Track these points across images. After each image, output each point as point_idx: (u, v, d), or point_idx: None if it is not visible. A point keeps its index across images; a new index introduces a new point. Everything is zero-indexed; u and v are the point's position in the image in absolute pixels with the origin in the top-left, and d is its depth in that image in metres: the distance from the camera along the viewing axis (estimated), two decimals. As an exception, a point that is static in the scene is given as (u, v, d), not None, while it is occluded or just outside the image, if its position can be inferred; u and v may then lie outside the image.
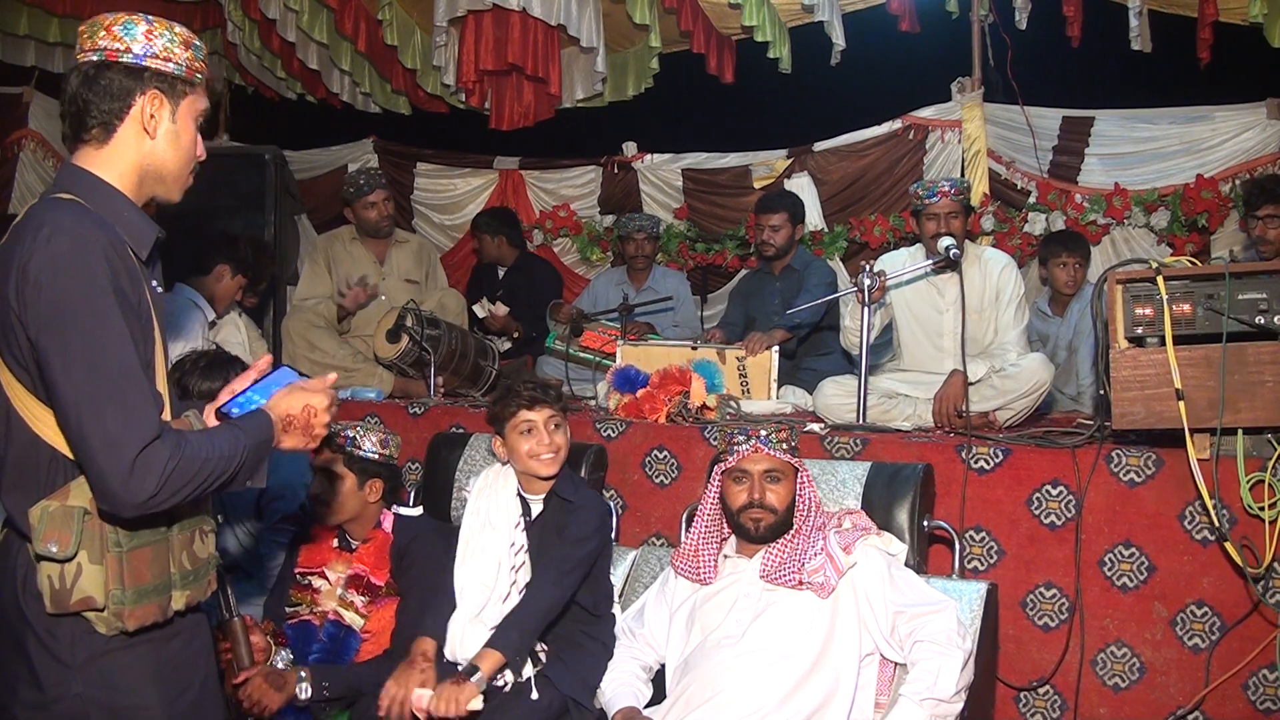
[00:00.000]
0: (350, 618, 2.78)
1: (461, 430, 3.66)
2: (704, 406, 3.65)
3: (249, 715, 2.58)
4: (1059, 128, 5.16)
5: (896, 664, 2.47)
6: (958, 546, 2.87)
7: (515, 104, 5.88)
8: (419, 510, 2.97)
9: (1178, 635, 2.81)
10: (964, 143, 5.15)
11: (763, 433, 2.56)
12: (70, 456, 1.57)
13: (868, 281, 3.55)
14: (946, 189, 3.71)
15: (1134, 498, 2.87)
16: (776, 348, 4.06)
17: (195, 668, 1.74)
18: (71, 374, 1.49)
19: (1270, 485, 2.63)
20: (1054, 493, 2.96)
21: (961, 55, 5.15)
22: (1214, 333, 2.70)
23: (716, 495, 2.64)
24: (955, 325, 3.66)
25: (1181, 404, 2.67)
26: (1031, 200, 5.11)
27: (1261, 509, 2.64)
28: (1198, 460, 2.68)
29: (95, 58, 1.65)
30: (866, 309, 3.56)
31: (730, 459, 2.58)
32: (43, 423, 1.58)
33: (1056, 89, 5.27)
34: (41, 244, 1.52)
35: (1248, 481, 2.65)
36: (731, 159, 5.93)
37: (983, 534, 3.04)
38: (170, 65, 1.67)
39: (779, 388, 4.05)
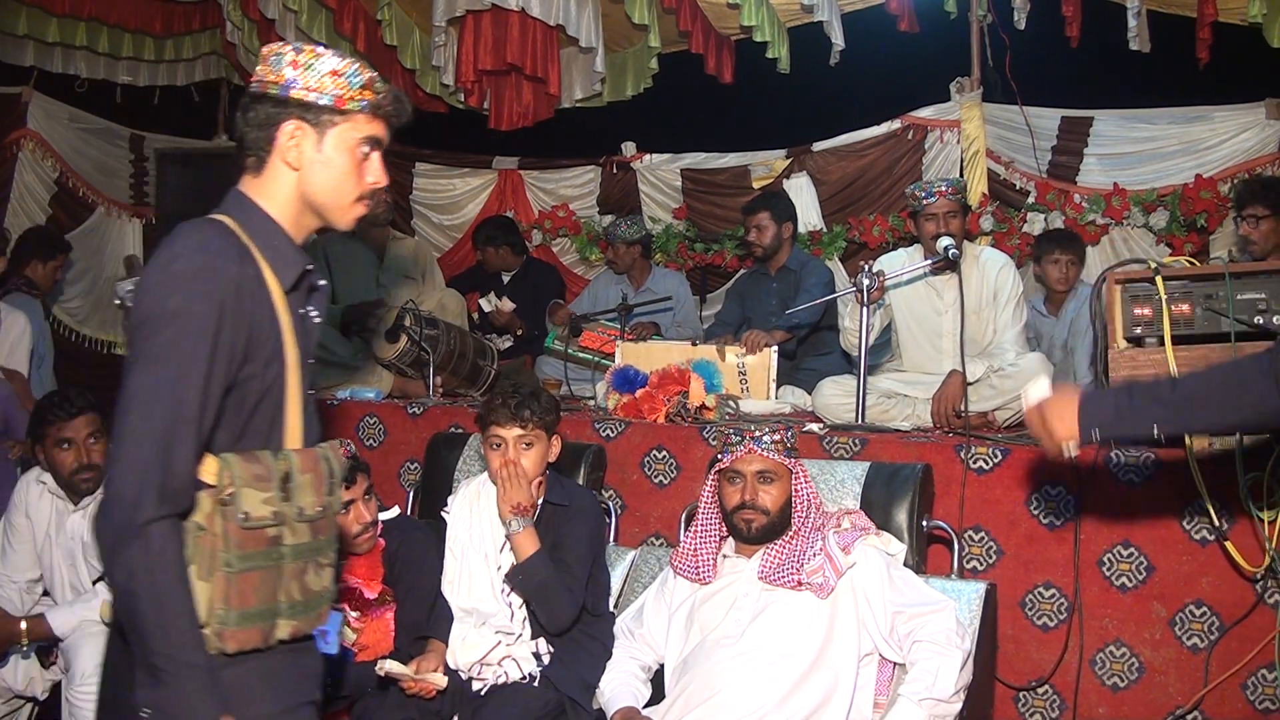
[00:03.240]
0: (342, 632, 2.71)
1: (460, 430, 3.66)
2: (703, 406, 3.65)
3: None
4: (1058, 128, 5.16)
5: (895, 664, 2.47)
6: (957, 546, 2.87)
7: (514, 104, 5.88)
8: (395, 510, 2.90)
9: (1177, 635, 2.81)
10: (963, 143, 5.15)
11: (757, 433, 2.56)
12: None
13: (866, 282, 3.55)
14: (945, 189, 3.71)
15: (1133, 498, 2.87)
16: (775, 348, 4.06)
17: (300, 691, 1.70)
18: (132, 395, 1.50)
19: (1269, 485, 2.63)
20: (1053, 493, 2.96)
21: (960, 55, 5.15)
22: (1212, 333, 2.70)
23: (713, 495, 2.65)
24: (954, 326, 3.66)
25: (1180, 404, 2.67)
26: (1030, 200, 5.11)
27: (1261, 509, 2.64)
28: (1197, 460, 2.68)
29: (253, 88, 1.69)
30: (865, 309, 3.56)
31: (725, 459, 2.58)
32: None
33: (1055, 89, 5.27)
34: (162, 263, 1.55)
35: (1247, 481, 2.65)
36: (730, 159, 5.93)
37: (982, 534, 3.04)
38: (314, 95, 1.66)
39: (778, 388, 4.05)
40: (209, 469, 1.55)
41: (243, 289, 1.56)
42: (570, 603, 2.62)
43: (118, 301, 1.34)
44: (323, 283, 1.78)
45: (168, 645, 1.48)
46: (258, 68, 1.70)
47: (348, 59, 1.70)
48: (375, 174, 1.74)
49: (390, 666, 2.53)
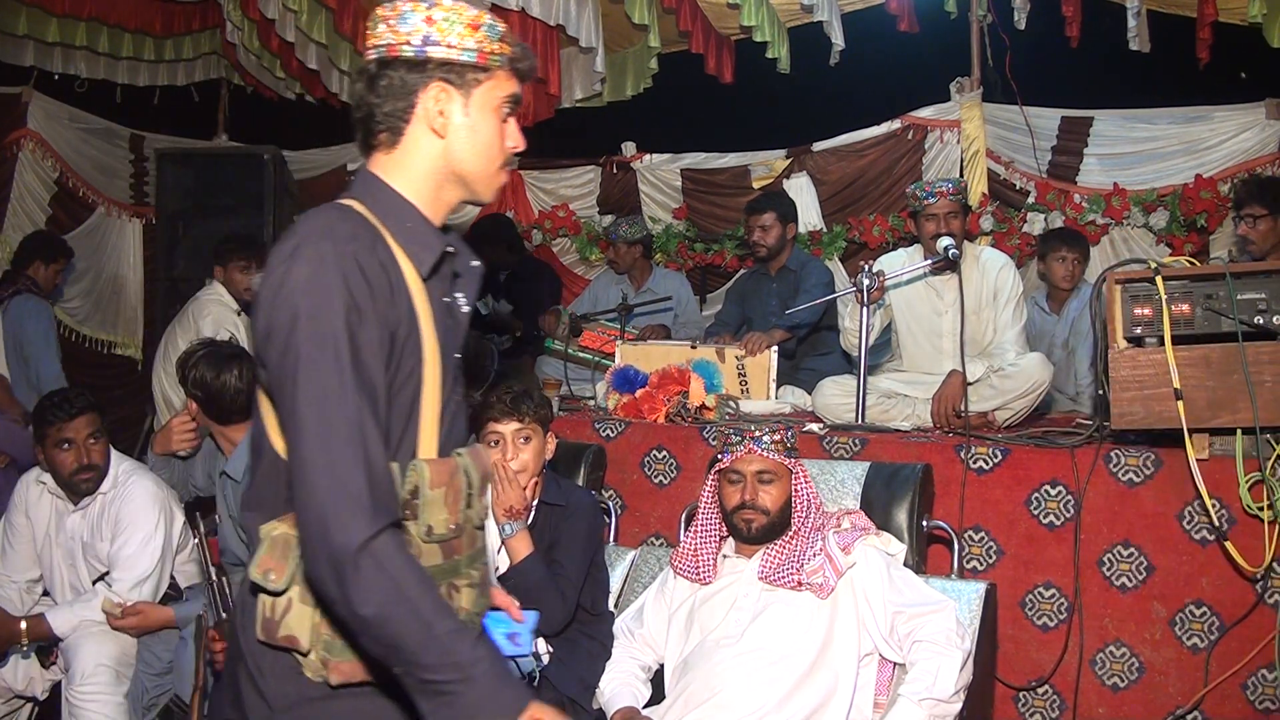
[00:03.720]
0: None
1: (460, 430, 3.65)
2: (703, 406, 3.65)
3: None
4: (1058, 128, 5.15)
5: (896, 664, 2.47)
6: (957, 546, 2.87)
7: (514, 104, 5.88)
8: None
9: (1177, 635, 2.81)
10: (963, 143, 5.15)
11: (757, 434, 2.56)
12: None
13: (866, 282, 3.55)
14: (945, 189, 3.71)
15: (1133, 498, 2.87)
16: (775, 348, 4.06)
17: None
18: (297, 417, 1.34)
19: (1269, 485, 2.63)
20: (1053, 493, 2.96)
21: (960, 55, 5.15)
22: (1212, 333, 2.70)
23: (713, 495, 2.65)
24: (954, 326, 3.66)
25: (1180, 404, 2.67)
26: (1030, 200, 5.11)
27: (1260, 509, 2.64)
28: (1196, 460, 2.68)
29: (375, 55, 1.48)
30: (865, 309, 3.56)
31: (725, 459, 2.58)
32: (280, 442, 1.44)
33: (1055, 89, 5.26)
34: (282, 258, 1.39)
35: (1246, 481, 2.65)
36: (730, 159, 5.93)
37: (981, 534, 3.04)
38: (456, 52, 1.46)
39: (778, 388, 4.05)
40: None
41: (375, 277, 1.39)
42: (563, 607, 2.62)
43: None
44: (474, 263, 1.58)
45: (443, 654, 1.31)
46: (378, 29, 1.49)
47: (480, 8, 1.50)
48: (515, 137, 1.56)
49: None
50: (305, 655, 1.40)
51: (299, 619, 1.40)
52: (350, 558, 1.28)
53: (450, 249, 1.52)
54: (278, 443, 1.44)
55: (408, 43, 1.46)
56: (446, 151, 1.50)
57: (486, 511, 2.33)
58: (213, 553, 2.78)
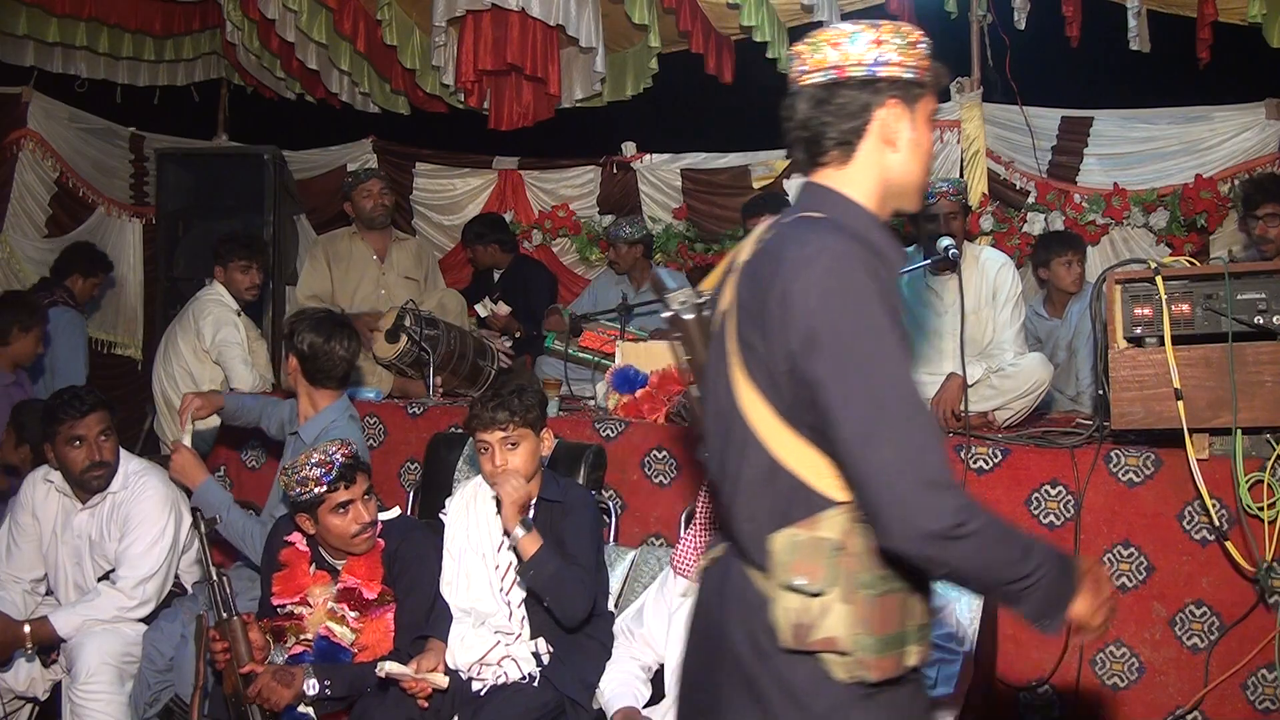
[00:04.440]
0: (341, 632, 2.69)
1: (460, 430, 3.65)
2: (703, 406, 3.64)
3: (256, 709, 2.58)
4: (1058, 128, 5.15)
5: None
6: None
7: (514, 104, 5.88)
8: (395, 511, 2.91)
9: (1177, 635, 2.81)
10: (963, 143, 5.15)
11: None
12: (815, 486, 1.46)
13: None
14: (946, 189, 3.72)
15: (1133, 498, 2.87)
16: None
17: None
18: (851, 405, 1.38)
19: (1269, 485, 2.63)
20: (1053, 493, 2.96)
21: (960, 55, 5.14)
22: (1212, 333, 2.70)
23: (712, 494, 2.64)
24: (954, 327, 3.66)
25: (1180, 404, 2.67)
26: (1030, 200, 5.11)
27: (1260, 509, 2.64)
28: (1196, 460, 2.68)
29: (822, 77, 1.55)
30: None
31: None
32: (786, 449, 1.47)
33: (1055, 89, 5.26)
34: (803, 264, 1.43)
35: (1246, 481, 2.65)
36: (731, 159, 5.93)
37: (982, 534, 3.04)
38: (903, 70, 1.55)
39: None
40: (841, 483, 1.45)
41: (885, 278, 1.45)
42: (584, 593, 2.63)
43: (669, 314, 1.24)
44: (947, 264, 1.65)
45: (1030, 561, 1.41)
46: (821, 51, 1.55)
47: (915, 28, 1.59)
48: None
49: (390, 667, 2.53)
50: (842, 655, 1.44)
51: (839, 619, 1.43)
52: (948, 533, 1.35)
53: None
54: (778, 451, 1.48)
55: (859, 63, 1.54)
56: (895, 165, 1.58)
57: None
58: (214, 552, 2.78)
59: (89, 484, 3.20)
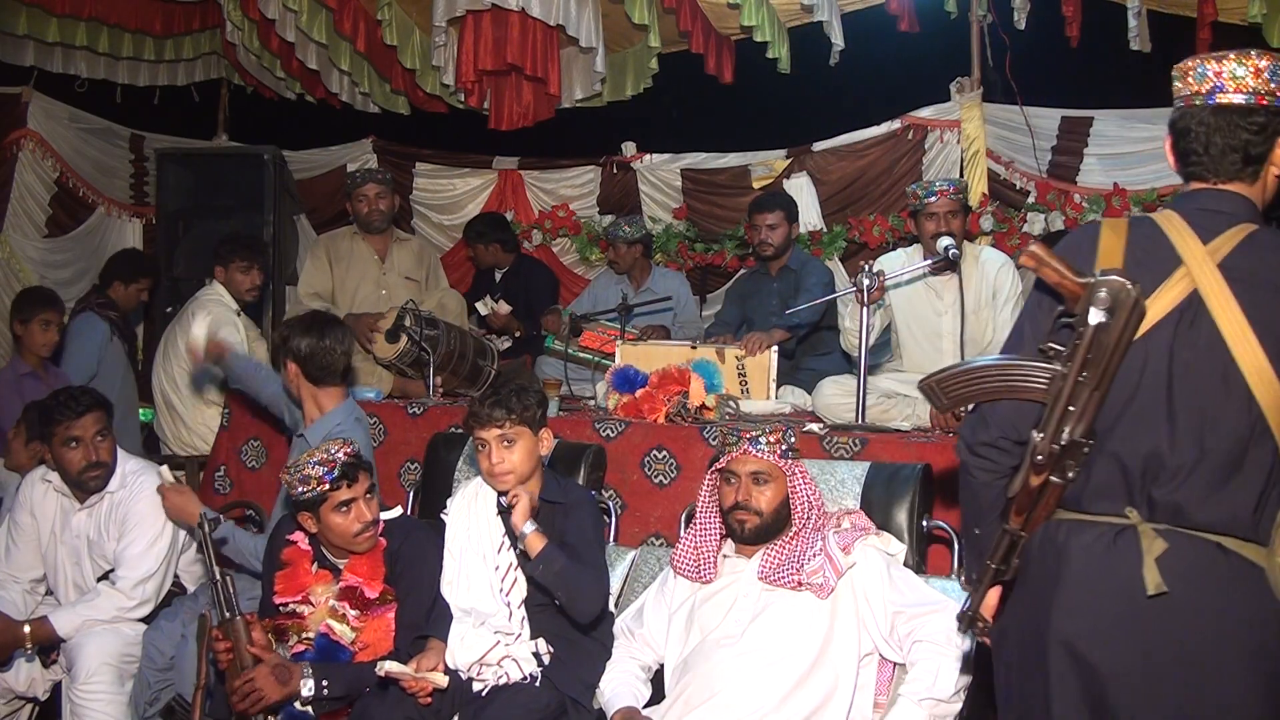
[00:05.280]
0: (341, 631, 2.68)
1: (460, 430, 3.66)
2: (703, 406, 3.65)
3: (245, 706, 2.58)
4: (1058, 128, 5.15)
5: (896, 664, 2.47)
6: (957, 546, 2.86)
7: (514, 104, 5.88)
8: (397, 510, 2.91)
9: (1177, 635, 2.80)
10: (963, 143, 5.15)
11: (754, 434, 2.56)
12: None
13: (866, 282, 3.55)
14: (947, 188, 3.72)
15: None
16: (775, 348, 4.06)
17: None
18: None
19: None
20: (1053, 493, 2.96)
21: (960, 55, 5.15)
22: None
23: (712, 494, 2.65)
24: (954, 326, 3.66)
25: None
26: (1030, 200, 5.11)
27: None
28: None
29: (1271, 102, 1.73)
30: (865, 309, 3.56)
31: (722, 459, 2.59)
32: None
33: (1055, 89, 5.27)
34: None
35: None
36: (731, 159, 5.93)
37: (982, 534, 3.04)
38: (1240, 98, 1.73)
39: (778, 388, 4.05)
40: None
41: None
42: (598, 588, 2.64)
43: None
44: None
45: None
46: (1272, 83, 1.73)
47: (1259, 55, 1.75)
48: None
49: (390, 667, 2.53)
50: None
51: None
52: None
53: None
54: None
55: (1274, 93, 1.73)
56: (1272, 187, 1.81)
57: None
58: (218, 553, 2.78)
59: (86, 484, 3.20)
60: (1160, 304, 1.69)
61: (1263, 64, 1.71)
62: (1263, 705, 1.64)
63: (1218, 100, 1.73)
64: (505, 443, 2.69)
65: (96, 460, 3.18)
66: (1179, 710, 1.65)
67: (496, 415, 2.67)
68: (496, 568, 2.72)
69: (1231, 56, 1.73)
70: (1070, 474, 1.68)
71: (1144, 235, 1.76)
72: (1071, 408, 1.64)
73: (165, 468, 3.24)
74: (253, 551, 3.07)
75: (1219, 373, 1.66)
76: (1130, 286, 1.61)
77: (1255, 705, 1.63)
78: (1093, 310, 1.62)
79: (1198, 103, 1.76)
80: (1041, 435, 1.66)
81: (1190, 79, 1.77)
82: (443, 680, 2.57)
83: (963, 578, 1.92)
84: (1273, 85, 1.71)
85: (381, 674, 2.53)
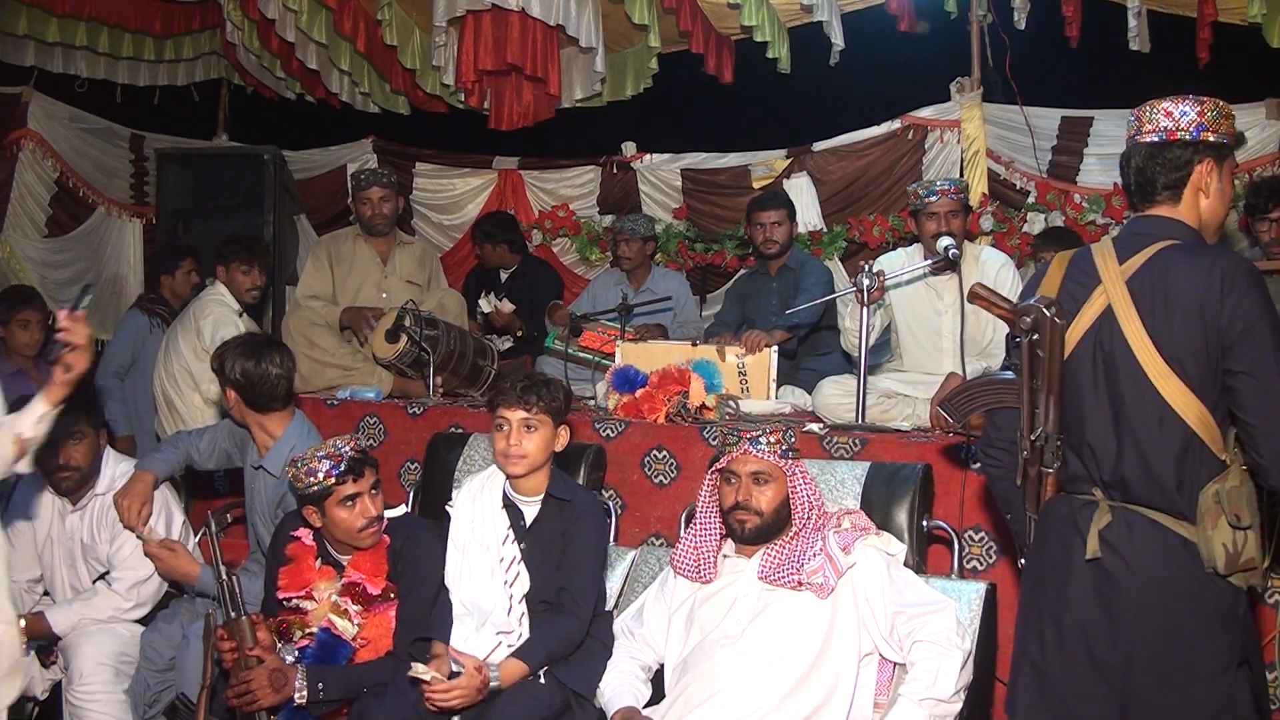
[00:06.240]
0: (342, 625, 2.69)
1: (460, 430, 3.66)
2: (703, 406, 3.65)
3: (239, 705, 2.57)
4: (1058, 128, 5.16)
5: (896, 664, 2.47)
6: (957, 546, 2.86)
7: (514, 104, 5.89)
8: (401, 509, 2.91)
9: (1177, 635, 2.81)
10: (963, 143, 5.15)
11: (754, 434, 2.56)
12: (1214, 451, 1.93)
13: (866, 282, 3.55)
14: (947, 188, 3.71)
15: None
16: (775, 348, 4.06)
17: None
18: (1261, 372, 1.89)
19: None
20: (1053, 492, 2.96)
21: (960, 55, 5.15)
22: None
23: (712, 494, 2.65)
24: (954, 326, 3.66)
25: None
26: (1030, 200, 5.11)
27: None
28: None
29: (1155, 138, 2.10)
30: (865, 309, 3.56)
31: (722, 459, 2.59)
32: (1190, 415, 1.93)
33: (1055, 89, 5.27)
34: (1235, 279, 1.92)
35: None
36: (731, 159, 5.93)
37: (982, 534, 3.04)
38: (1219, 137, 2.07)
39: (778, 387, 4.05)
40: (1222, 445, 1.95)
41: None
42: (578, 626, 2.66)
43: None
44: None
45: None
46: (1154, 117, 2.12)
47: (1224, 104, 2.13)
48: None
49: (420, 669, 2.48)
50: (1248, 572, 1.93)
51: (1252, 545, 1.92)
52: None
53: None
54: (1198, 427, 1.93)
55: (1184, 129, 2.06)
56: (1206, 209, 2.09)
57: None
58: (223, 550, 2.78)
59: (57, 486, 3.20)
60: (1084, 319, 2.05)
61: (1174, 108, 2.08)
62: (1216, 660, 1.96)
63: (1139, 140, 2.12)
64: (527, 427, 2.71)
65: (66, 464, 3.16)
66: (1129, 656, 1.99)
67: (529, 398, 2.70)
68: (501, 559, 2.73)
69: (1159, 103, 2.11)
70: (1053, 463, 2.06)
71: (1079, 263, 2.12)
72: (1037, 410, 2.02)
73: (148, 527, 3.12)
74: (255, 594, 3.05)
75: (1130, 372, 1.98)
76: (1046, 310, 1.98)
77: (1209, 661, 1.96)
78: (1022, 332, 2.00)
79: (1131, 143, 2.14)
80: (1020, 435, 2.06)
81: (1129, 124, 2.15)
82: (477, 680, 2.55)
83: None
84: (1183, 123, 2.06)
85: (413, 675, 2.49)
